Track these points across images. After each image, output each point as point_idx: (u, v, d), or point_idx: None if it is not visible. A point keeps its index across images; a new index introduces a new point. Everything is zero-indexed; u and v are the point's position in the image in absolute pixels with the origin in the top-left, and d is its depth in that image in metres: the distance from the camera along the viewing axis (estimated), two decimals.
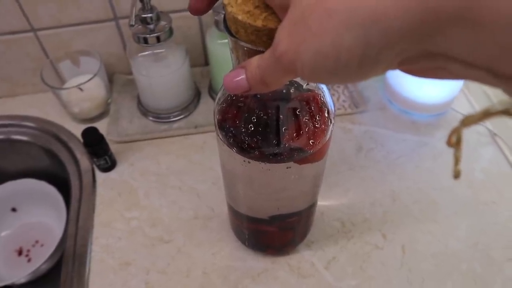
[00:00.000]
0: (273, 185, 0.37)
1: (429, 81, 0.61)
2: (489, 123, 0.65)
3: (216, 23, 0.58)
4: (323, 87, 0.34)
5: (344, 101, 0.67)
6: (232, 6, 0.26)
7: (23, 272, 0.61)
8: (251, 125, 0.32)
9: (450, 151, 0.64)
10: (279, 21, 0.25)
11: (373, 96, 0.69)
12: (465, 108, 0.67)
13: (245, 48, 0.27)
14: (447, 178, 0.58)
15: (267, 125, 0.32)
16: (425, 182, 0.58)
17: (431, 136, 0.63)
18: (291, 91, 0.32)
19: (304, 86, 0.32)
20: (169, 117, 0.65)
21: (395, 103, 0.67)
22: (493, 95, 0.65)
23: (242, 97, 0.33)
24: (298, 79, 0.31)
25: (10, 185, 0.71)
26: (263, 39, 0.26)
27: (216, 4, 0.60)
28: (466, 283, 0.49)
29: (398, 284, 0.49)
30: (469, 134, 0.63)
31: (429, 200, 0.56)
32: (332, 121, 0.35)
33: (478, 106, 0.67)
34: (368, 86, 0.71)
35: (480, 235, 0.53)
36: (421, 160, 0.60)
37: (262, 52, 0.26)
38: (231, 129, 0.34)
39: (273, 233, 0.47)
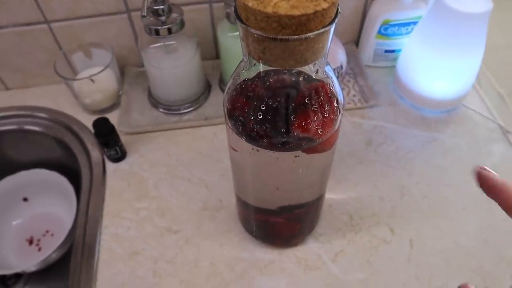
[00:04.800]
0: (281, 174, 0.37)
1: (440, 76, 0.61)
2: (500, 120, 0.64)
3: (228, 16, 0.59)
4: (333, 76, 0.34)
5: (354, 95, 0.67)
6: None
7: (34, 261, 0.62)
8: (260, 113, 0.32)
9: (460, 147, 0.64)
10: (289, 8, 0.25)
11: (383, 91, 0.69)
12: (476, 105, 0.66)
13: (255, 35, 0.27)
14: (457, 174, 0.58)
15: (276, 114, 0.32)
16: (435, 178, 0.58)
17: (442, 132, 0.63)
18: (300, 79, 0.32)
19: (313, 75, 0.32)
20: (179, 109, 0.66)
21: (405, 98, 0.66)
22: (506, 94, 0.65)
23: (251, 87, 0.33)
24: (306, 69, 0.31)
25: (22, 175, 0.72)
26: (273, 26, 0.26)
27: None
28: (475, 280, 0.49)
29: (405, 278, 0.49)
30: (480, 131, 0.63)
31: (438, 195, 0.56)
32: (341, 111, 0.35)
33: (490, 103, 0.66)
34: (379, 80, 0.70)
35: (490, 232, 0.53)
36: (431, 156, 0.60)
37: (272, 39, 0.26)
38: (240, 117, 0.34)
39: (280, 224, 0.47)
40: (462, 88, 0.62)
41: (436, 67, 0.60)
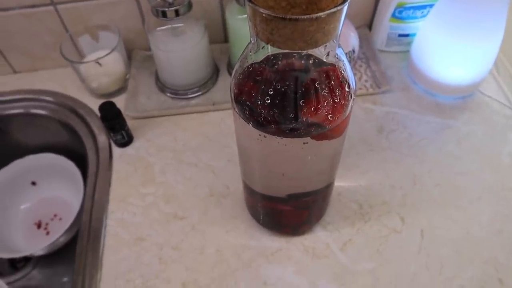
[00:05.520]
0: (289, 162, 0.36)
1: (456, 61, 0.59)
2: None
3: None
4: (344, 60, 0.32)
5: (366, 81, 0.65)
6: None
7: (42, 244, 0.62)
8: (268, 98, 0.31)
9: (476, 135, 0.63)
10: None
11: (396, 76, 0.67)
12: (493, 92, 0.64)
13: (264, 15, 0.25)
14: (472, 162, 0.56)
15: (284, 98, 0.31)
16: (448, 166, 0.56)
17: (456, 119, 0.61)
18: (310, 63, 0.31)
19: (324, 58, 0.31)
20: (187, 94, 0.64)
21: (419, 83, 0.64)
22: None
23: (259, 70, 0.32)
24: (316, 52, 0.30)
25: (30, 159, 0.72)
26: (282, 4, 0.25)
27: None
28: (487, 271, 0.47)
29: (415, 269, 0.48)
30: (497, 117, 0.61)
31: (451, 184, 0.55)
32: (353, 96, 0.33)
33: (507, 90, 0.64)
34: (392, 65, 0.68)
35: (505, 222, 0.51)
36: (445, 143, 0.58)
37: (281, 18, 0.25)
38: (247, 102, 0.33)
39: (288, 212, 0.46)
40: (479, 74, 0.60)
41: (452, 52, 0.58)
